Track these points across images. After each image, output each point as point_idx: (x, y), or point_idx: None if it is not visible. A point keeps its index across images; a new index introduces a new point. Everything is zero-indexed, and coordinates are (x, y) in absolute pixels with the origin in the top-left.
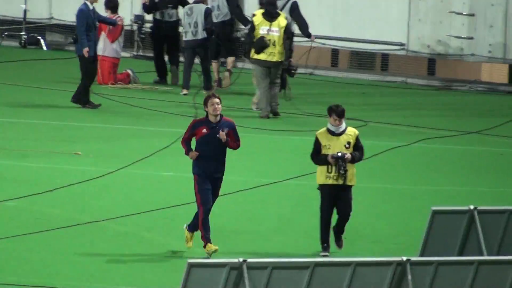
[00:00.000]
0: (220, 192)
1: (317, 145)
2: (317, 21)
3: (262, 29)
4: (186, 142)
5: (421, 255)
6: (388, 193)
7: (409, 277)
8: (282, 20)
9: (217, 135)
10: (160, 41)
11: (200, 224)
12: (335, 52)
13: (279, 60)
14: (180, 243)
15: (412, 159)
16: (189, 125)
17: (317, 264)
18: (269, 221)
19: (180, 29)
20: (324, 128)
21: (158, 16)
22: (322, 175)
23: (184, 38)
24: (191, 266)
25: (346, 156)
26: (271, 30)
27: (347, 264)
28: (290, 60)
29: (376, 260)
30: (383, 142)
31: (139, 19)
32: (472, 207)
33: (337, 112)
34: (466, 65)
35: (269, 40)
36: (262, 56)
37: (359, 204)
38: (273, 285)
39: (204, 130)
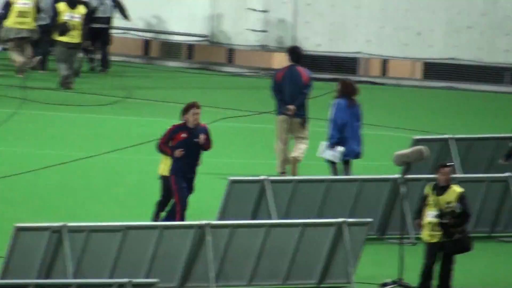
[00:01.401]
0: (43, 165)
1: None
2: (133, 15)
3: (66, 15)
4: (165, 144)
5: (219, 219)
6: None
7: (209, 238)
8: (82, 9)
9: (196, 140)
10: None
11: (178, 218)
12: (147, 43)
13: (79, 41)
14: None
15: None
16: (169, 130)
17: (128, 227)
18: (87, 191)
19: None
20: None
21: None
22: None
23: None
24: (18, 229)
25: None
26: (74, 17)
27: (155, 227)
28: (88, 41)
29: (180, 223)
30: None
31: None
32: (263, 177)
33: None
34: (260, 55)
35: (72, 25)
36: (64, 39)
37: None
38: (90, 246)
39: (184, 135)
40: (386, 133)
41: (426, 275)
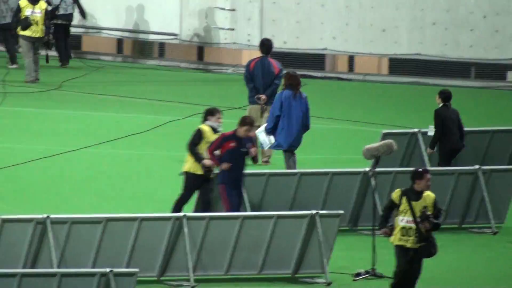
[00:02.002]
0: (25, 159)
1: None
2: (102, 15)
3: (27, 11)
4: (213, 152)
5: (195, 212)
6: (164, 159)
7: (186, 229)
8: (43, 4)
9: (243, 149)
10: None
11: None
12: (120, 41)
13: (41, 36)
14: None
15: (185, 131)
16: (218, 138)
17: (109, 219)
18: (68, 184)
19: None
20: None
21: None
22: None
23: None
24: (3, 221)
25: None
26: (34, 12)
27: (134, 219)
28: (50, 34)
29: (158, 215)
30: (161, 117)
31: None
32: None
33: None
34: (229, 52)
35: (33, 20)
36: (27, 33)
37: (140, 169)
38: (73, 237)
39: (233, 144)
40: (355, 127)
41: (402, 278)
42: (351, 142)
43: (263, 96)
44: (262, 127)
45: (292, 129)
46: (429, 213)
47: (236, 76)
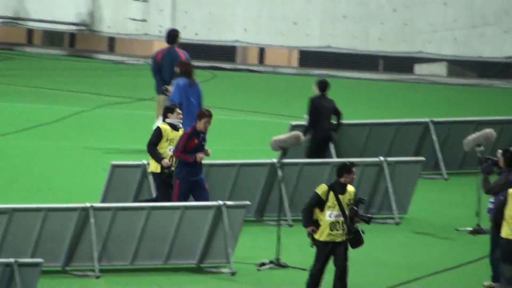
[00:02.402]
0: None
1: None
2: (12, 4)
3: None
4: (182, 152)
5: (102, 202)
6: (72, 150)
7: (92, 220)
8: None
9: (203, 143)
10: None
11: None
12: (30, 31)
13: None
14: None
15: (94, 121)
16: (183, 139)
17: (14, 210)
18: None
19: None
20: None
21: None
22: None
23: None
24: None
25: None
26: None
27: (39, 209)
28: None
29: (64, 206)
30: (70, 107)
31: None
32: (145, 161)
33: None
34: (141, 43)
35: None
36: None
37: (48, 160)
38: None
39: (196, 141)
40: (263, 119)
41: (317, 278)
42: (259, 133)
43: (170, 87)
44: (160, 119)
45: (192, 118)
46: (356, 208)
47: (147, 68)
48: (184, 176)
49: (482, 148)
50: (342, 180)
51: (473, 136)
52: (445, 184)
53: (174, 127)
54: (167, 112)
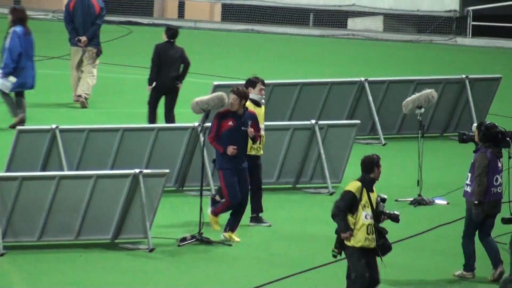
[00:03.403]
0: None
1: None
2: None
3: None
4: (215, 138)
5: (7, 171)
6: None
7: None
8: None
9: (244, 128)
10: None
11: (219, 212)
12: None
13: None
14: None
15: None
16: (214, 118)
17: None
18: None
19: None
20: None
21: None
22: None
23: None
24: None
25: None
26: None
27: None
28: None
29: None
30: None
31: None
32: (54, 126)
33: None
34: None
35: None
36: None
37: None
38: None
39: (230, 123)
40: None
41: (365, 284)
42: (180, 94)
43: (83, 38)
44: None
45: (31, 67)
46: (382, 204)
47: (57, 23)
48: (227, 165)
49: (422, 110)
50: (372, 175)
51: (413, 97)
52: (382, 149)
53: (257, 103)
54: (248, 86)
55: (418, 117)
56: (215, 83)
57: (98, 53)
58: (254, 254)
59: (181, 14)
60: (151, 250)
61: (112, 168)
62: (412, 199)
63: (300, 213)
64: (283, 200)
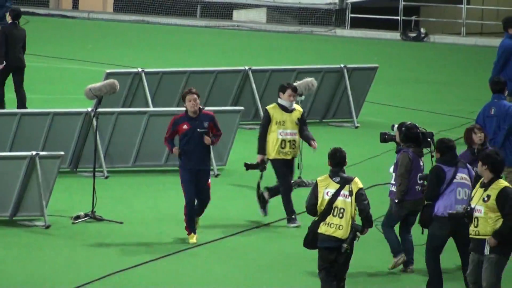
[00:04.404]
0: None
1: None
2: None
3: None
4: (168, 140)
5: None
6: None
7: None
8: None
9: (200, 130)
10: None
11: (184, 212)
12: None
13: None
14: None
15: None
16: (170, 123)
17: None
18: None
19: None
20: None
21: None
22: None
23: None
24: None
25: None
26: None
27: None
28: None
29: None
30: None
31: None
32: None
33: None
34: None
35: None
36: None
37: None
38: None
39: (185, 126)
40: (78, 66)
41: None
42: (74, 81)
43: None
44: None
45: None
46: None
47: None
48: (181, 163)
49: (303, 97)
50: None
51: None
52: None
53: (285, 109)
54: (279, 91)
55: (299, 104)
56: (108, 71)
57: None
58: (142, 231)
59: (75, 5)
60: (48, 227)
61: (10, 151)
62: (292, 181)
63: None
64: (172, 182)
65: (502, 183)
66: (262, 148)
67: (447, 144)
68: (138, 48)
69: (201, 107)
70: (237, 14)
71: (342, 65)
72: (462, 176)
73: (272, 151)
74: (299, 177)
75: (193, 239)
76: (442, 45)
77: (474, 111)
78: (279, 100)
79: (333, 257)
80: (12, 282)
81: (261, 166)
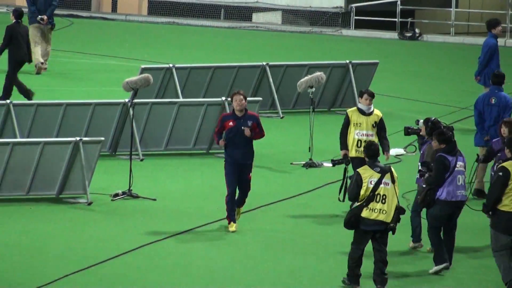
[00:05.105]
0: None
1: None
2: None
3: None
4: (217, 133)
5: None
6: None
7: None
8: None
9: (243, 128)
10: None
11: (225, 202)
12: None
13: None
14: None
15: None
16: (219, 119)
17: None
18: None
19: None
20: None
21: None
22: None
23: None
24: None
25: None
26: None
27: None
28: None
29: None
30: None
31: None
32: (8, 101)
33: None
34: None
35: None
36: None
37: None
38: None
39: (231, 123)
40: (117, 62)
41: None
42: (113, 75)
43: (45, 17)
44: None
45: None
46: None
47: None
48: (226, 157)
49: (313, 89)
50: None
51: (305, 78)
52: (280, 122)
53: (363, 112)
54: (358, 96)
55: (310, 95)
56: (143, 66)
57: (53, 27)
58: (173, 207)
59: (114, 9)
60: (90, 204)
61: (57, 137)
62: (304, 162)
63: (209, 175)
64: (199, 164)
65: None
66: (344, 144)
67: (448, 136)
68: (169, 46)
69: (247, 108)
70: (256, 17)
71: (347, 61)
72: (460, 164)
73: (351, 150)
74: (310, 159)
75: (233, 227)
76: (434, 44)
77: (462, 100)
78: (358, 104)
79: (369, 238)
80: (58, 252)
81: (345, 160)
